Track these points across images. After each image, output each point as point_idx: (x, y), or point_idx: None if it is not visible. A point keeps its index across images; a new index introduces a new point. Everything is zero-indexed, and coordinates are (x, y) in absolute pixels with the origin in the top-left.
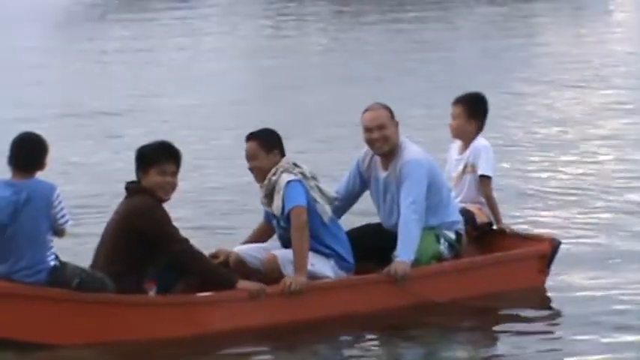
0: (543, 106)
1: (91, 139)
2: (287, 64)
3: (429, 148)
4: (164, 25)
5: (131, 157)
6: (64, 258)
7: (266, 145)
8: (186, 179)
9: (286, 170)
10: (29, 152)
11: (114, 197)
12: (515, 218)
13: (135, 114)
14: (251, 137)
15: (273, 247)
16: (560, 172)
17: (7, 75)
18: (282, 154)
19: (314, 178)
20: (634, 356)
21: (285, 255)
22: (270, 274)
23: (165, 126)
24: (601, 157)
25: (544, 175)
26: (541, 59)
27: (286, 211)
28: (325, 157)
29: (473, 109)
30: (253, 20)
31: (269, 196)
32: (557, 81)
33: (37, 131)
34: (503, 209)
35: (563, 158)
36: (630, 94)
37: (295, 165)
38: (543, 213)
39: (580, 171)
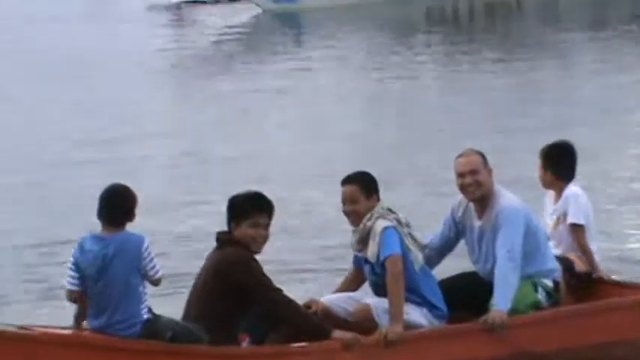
0: None
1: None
2: (405, 111)
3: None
4: (277, 73)
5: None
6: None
7: (366, 189)
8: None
9: (382, 216)
10: (116, 205)
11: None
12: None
13: (249, 159)
14: (351, 180)
15: (361, 297)
16: None
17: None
18: (379, 199)
19: (407, 225)
20: None
21: (379, 304)
22: (362, 323)
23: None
24: None
25: None
26: None
27: (382, 258)
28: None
29: (553, 160)
30: (364, 70)
31: (362, 242)
32: None
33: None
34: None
35: None
36: None
37: (390, 211)
38: None
39: None
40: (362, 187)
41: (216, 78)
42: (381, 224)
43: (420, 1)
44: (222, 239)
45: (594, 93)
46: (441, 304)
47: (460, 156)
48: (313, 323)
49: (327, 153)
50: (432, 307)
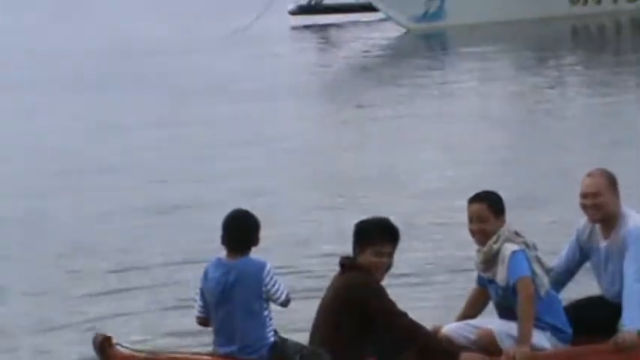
0: None
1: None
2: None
3: None
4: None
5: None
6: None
7: (495, 209)
8: None
9: (509, 239)
10: (239, 232)
11: None
12: None
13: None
14: (480, 199)
15: (481, 323)
16: None
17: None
18: (505, 220)
19: (535, 248)
20: None
21: (501, 328)
22: (486, 349)
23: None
24: None
25: None
26: None
27: (512, 281)
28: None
29: None
30: (511, 93)
31: (487, 262)
32: None
33: None
34: None
35: None
36: None
37: (517, 234)
38: None
39: None
40: (491, 207)
41: (365, 101)
42: (509, 248)
43: (564, 17)
44: (346, 264)
45: None
46: (566, 328)
47: (587, 176)
48: (442, 347)
49: (473, 178)
50: (556, 331)
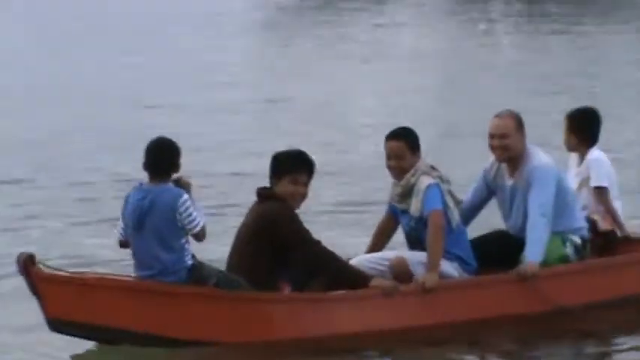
0: None
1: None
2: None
3: None
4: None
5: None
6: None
7: (412, 145)
8: None
9: (425, 173)
10: (159, 157)
11: None
12: None
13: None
14: (397, 136)
15: (392, 255)
16: None
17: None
18: (420, 155)
19: (448, 182)
20: None
21: (413, 257)
22: (397, 276)
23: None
24: None
25: None
26: None
27: (425, 213)
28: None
29: (577, 124)
30: (440, 30)
31: (404, 195)
32: None
33: None
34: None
35: None
36: None
37: (433, 168)
38: None
39: None
40: (408, 143)
41: (303, 32)
42: (425, 181)
43: None
44: (263, 194)
45: None
46: (472, 261)
47: (495, 117)
48: (353, 272)
49: (397, 105)
50: (462, 262)
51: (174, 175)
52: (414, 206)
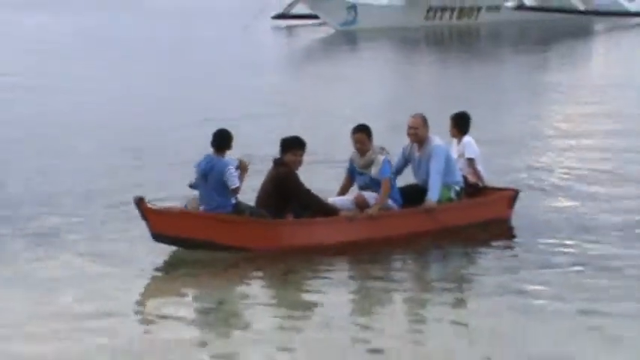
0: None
1: None
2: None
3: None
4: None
5: None
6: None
7: (369, 135)
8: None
9: (380, 152)
10: (219, 139)
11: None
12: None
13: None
14: (361, 130)
15: (355, 195)
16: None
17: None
18: (373, 140)
19: (388, 153)
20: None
21: (368, 195)
22: (359, 205)
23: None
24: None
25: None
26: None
27: (381, 177)
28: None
29: (458, 121)
30: (388, 67)
31: (366, 166)
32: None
33: None
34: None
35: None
36: None
37: (382, 148)
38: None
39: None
40: (367, 134)
41: (315, 65)
42: (380, 158)
43: (429, 26)
44: (278, 162)
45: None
46: (399, 198)
47: (411, 116)
48: (330, 207)
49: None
50: (395, 201)
51: (238, 157)
52: (374, 171)
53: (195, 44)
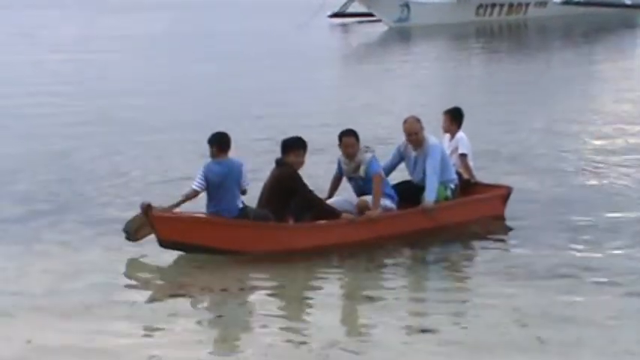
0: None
1: None
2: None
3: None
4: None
5: None
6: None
7: (357, 138)
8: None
9: (365, 152)
10: (223, 141)
11: None
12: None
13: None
14: (349, 133)
15: (350, 200)
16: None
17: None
18: (360, 142)
19: (374, 151)
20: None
21: (368, 198)
22: (361, 210)
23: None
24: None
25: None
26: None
27: (370, 175)
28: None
29: (453, 116)
30: (439, 62)
31: (354, 169)
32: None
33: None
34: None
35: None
36: None
37: (367, 147)
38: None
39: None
40: (356, 138)
41: (368, 62)
42: (367, 157)
43: (479, 22)
44: (280, 162)
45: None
46: (394, 194)
47: (405, 122)
48: (331, 210)
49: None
50: (391, 198)
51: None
52: (363, 172)
53: (252, 38)
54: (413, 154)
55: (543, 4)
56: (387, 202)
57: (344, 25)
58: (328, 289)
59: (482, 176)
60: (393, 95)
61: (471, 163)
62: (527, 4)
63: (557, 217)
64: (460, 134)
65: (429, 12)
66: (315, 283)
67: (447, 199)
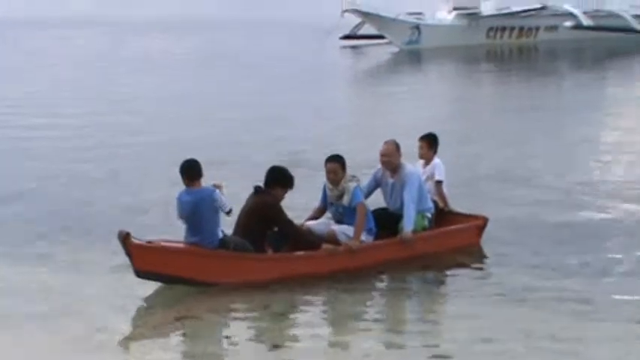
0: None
1: None
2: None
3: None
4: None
5: None
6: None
7: (343, 165)
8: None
9: (351, 181)
10: (192, 170)
11: None
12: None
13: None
14: (335, 160)
15: (328, 224)
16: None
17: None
18: (346, 170)
19: (359, 181)
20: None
21: (340, 229)
22: (329, 240)
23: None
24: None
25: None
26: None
27: (353, 204)
28: None
29: (431, 143)
30: (446, 84)
31: (339, 197)
32: None
33: None
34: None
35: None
36: None
37: (353, 176)
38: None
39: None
40: (341, 165)
41: (378, 83)
42: (351, 186)
43: (489, 44)
44: (261, 190)
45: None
46: (372, 225)
47: (384, 143)
48: (311, 240)
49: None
50: (370, 230)
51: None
52: (345, 200)
53: (265, 59)
54: (390, 180)
55: (554, 28)
56: (364, 236)
57: (355, 47)
58: (314, 314)
59: (471, 202)
60: (399, 118)
61: (445, 191)
62: (538, 28)
63: (534, 245)
64: (437, 160)
65: (439, 34)
66: (292, 312)
67: (424, 228)
